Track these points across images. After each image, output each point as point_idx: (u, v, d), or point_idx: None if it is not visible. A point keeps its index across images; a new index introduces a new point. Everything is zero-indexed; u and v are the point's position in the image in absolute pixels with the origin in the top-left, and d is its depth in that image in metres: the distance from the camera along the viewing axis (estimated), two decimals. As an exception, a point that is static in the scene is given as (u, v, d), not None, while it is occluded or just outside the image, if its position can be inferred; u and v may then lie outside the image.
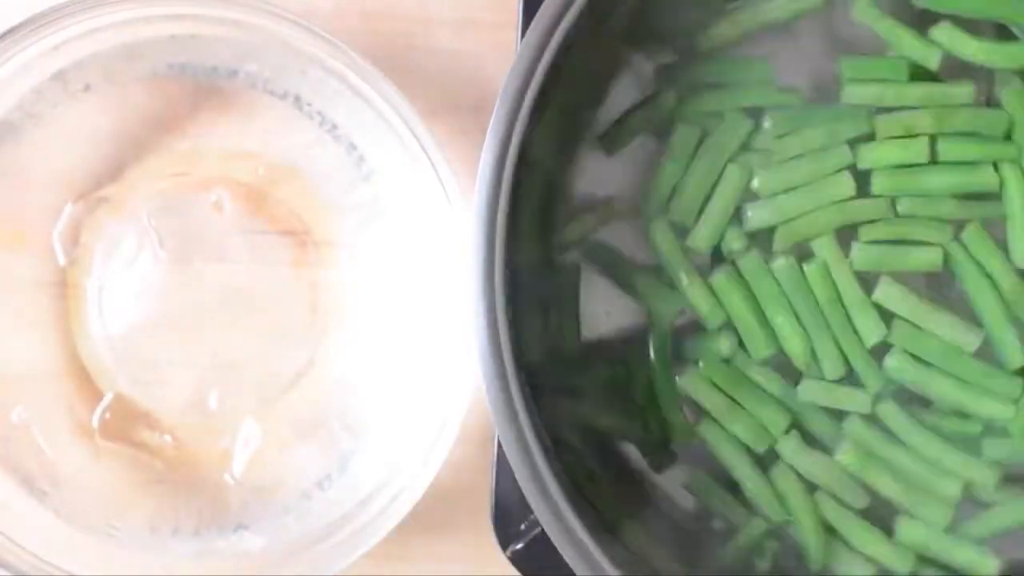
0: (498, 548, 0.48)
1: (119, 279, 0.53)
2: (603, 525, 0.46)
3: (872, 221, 0.48)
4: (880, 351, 0.49)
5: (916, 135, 0.48)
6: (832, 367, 0.49)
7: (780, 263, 0.48)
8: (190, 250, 0.53)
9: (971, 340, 0.48)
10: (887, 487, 0.49)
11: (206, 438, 0.53)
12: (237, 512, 0.53)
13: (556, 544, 0.43)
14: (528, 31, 0.43)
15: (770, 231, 0.49)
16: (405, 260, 0.52)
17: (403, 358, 0.52)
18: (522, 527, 0.48)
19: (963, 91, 0.48)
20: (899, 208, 0.48)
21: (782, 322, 0.48)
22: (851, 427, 0.49)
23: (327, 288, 0.53)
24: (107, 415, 0.53)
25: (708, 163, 0.49)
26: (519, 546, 0.48)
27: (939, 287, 0.49)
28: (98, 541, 0.52)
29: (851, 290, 0.48)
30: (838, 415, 0.49)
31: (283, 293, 0.53)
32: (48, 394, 0.53)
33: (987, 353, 0.49)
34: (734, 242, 0.49)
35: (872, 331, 0.48)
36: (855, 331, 0.49)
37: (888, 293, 0.48)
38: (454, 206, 0.49)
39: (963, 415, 0.49)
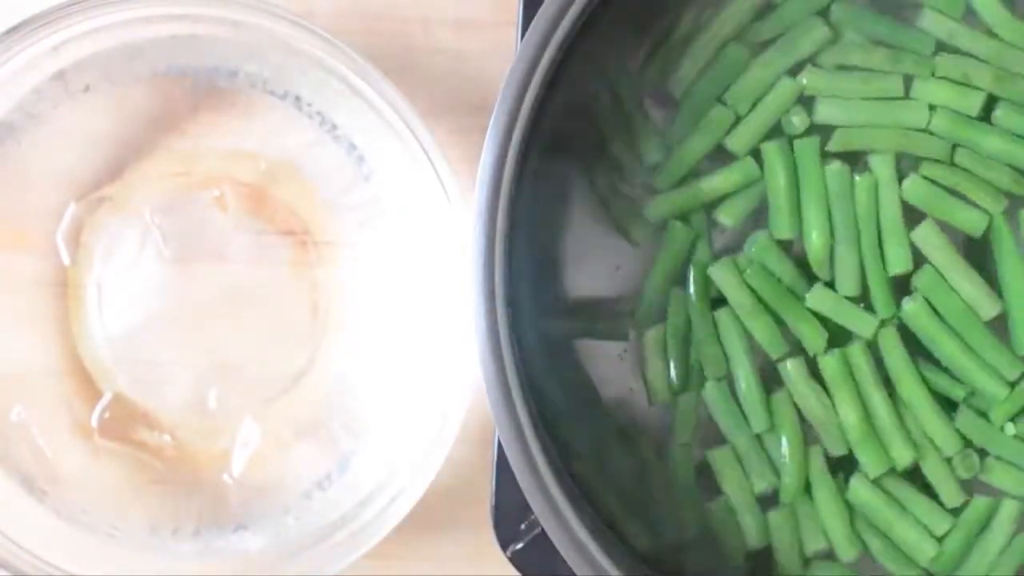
0: (498, 548, 0.48)
1: (119, 278, 0.53)
2: (603, 525, 0.46)
3: (934, 160, 0.48)
4: (898, 290, 0.48)
5: (973, 87, 0.48)
6: (848, 281, 0.48)
7: (834, 166, 0.48)
8: (191, 249, 0.53)
9: (990, 309, 0.48)
10: (850, 415, 0.48)
11: (206, 438, 0.53)
12: (237, 512, 0.53)
13: (556, 544, 0.44)
14: (528, 31, 0.43)
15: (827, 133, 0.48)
16: (405, 260, 0.52)
17: (403, 358, 0.52)
18: (522, 527, 0.48)
19: None
20: (956, 158, 0.48)
21: (813, 216, 0.47)
22: (851, 352, 0.48)
23: (327, 288, 0.53)
24: (107, 415, 0.53)
25: (777, 59, 0.48)
26: (519, 546, 0.48)
27: (970, 252, 0.48)
28: (98, 541, 0.52)
29: (893, 214, 0.47)
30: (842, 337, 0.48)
31: (283, 293, 0.53)
32: (48, 394, 0.53)
33: (1000, 332, 0.48)
34: (796, 118, 0.48)
35: (899, 261, 0.47)
36: (883, 255, 0.48)
37: (928, 235, 0.48)
38: (454, 206, 0.49)
39: (954, 379, 0.48)
